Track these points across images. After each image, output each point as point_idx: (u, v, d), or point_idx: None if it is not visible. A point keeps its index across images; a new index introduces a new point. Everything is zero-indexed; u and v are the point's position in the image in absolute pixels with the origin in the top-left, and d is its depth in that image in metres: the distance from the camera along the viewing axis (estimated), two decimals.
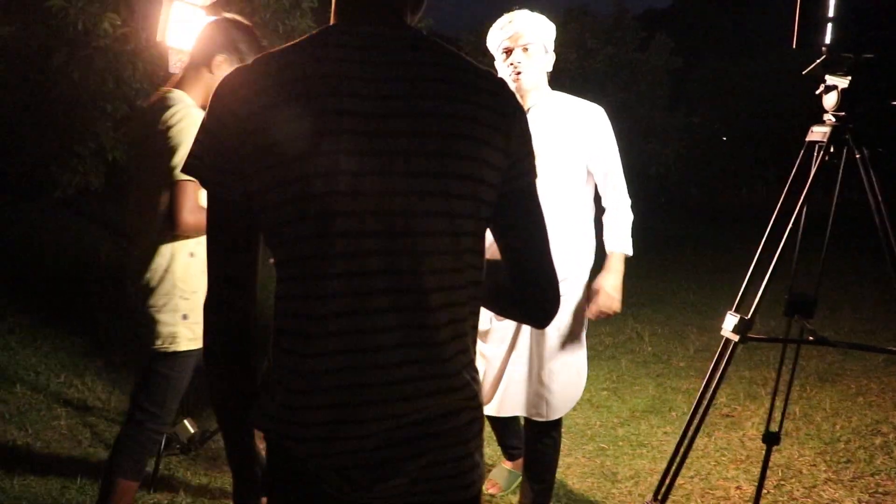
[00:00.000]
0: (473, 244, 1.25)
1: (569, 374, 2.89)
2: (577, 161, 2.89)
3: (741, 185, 18.44)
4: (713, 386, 2.20)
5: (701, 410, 2.25)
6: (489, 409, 2.95)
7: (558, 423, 2.99)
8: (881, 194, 2.06)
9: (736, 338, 2.16)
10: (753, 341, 2.17)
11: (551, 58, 2.91)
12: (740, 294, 2.26)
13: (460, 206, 1.21)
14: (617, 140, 2.95)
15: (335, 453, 1.22)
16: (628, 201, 2.98)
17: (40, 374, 5.03)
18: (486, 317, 2.82)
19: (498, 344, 2.92)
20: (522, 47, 2.80)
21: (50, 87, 6.76)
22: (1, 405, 4.45)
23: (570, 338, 2.89)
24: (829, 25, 2.04)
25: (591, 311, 2.89)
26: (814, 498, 3.58)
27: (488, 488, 3.53)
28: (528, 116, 2.57)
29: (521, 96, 2.85)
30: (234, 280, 1.26)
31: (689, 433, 2.27)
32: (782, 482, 3.73)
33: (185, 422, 3.84)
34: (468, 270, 1.25)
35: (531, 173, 1.31)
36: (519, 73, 2.80)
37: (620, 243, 2.93)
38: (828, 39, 2.05)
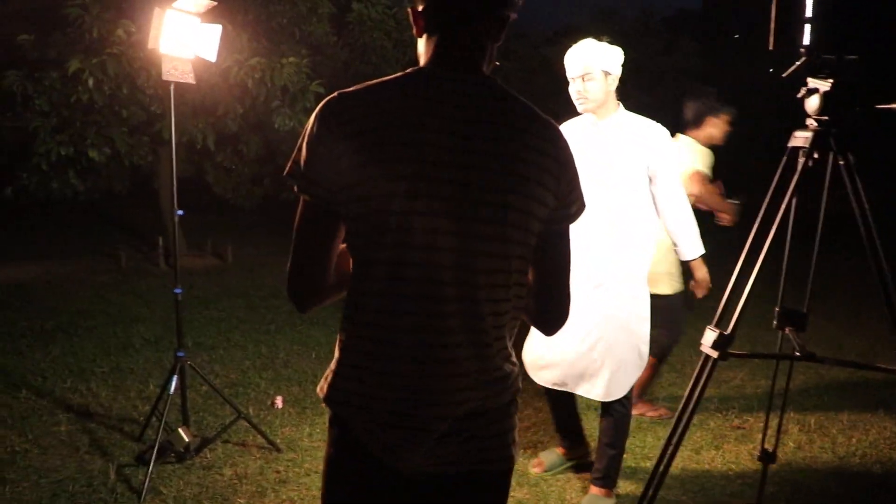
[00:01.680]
0: (521, 266, 1.50)
1: (624, 363, 3.36)
2: (638, 173, 3.30)
3: (759, 191, 18.06)
4: (692, 403, 2.10)
5: (680, 429, 2.15)
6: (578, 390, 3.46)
7: (625, 396, 3.43)
8: (867, 203, 1.95)
9: (715, 354, 2.06)
10: (734, 357, 2.07)
11: (615, 78, 3.30)
12: (721, 307, 2.17)
13: (514, 235, 1.46)
14: None
15: (397, 425, 1.47)
16: (689, 210, 3.47)
17: (47, 378, 5.06)
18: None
19: (575, 336, 3.37)
20: (582, 77, 3.26)
21: (68, 93, 6.83)
22: (4, 410, 4.48)
23: (630, 333, 3.37)
24: (808, 26, 1.95)
25: (699, 293, 3.98)
26: None
27: (533, 465, 3.87)
28: (598, 129, 3.34)
29: (591, 113, 3.35)
30: (313, 262, 1.50)
31: (668, 452, 2.18)
32: (791, 499, 3.61)
33: (180, 430, 3.83)
34: (514, 288, 1.50)
35: (572, 217, 1.56)
36: (581, 101, 3.31)
37: (692, 251, 3.60)
38: (806, 41, 1.96)
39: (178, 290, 3.87)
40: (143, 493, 3.45)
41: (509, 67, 12.02)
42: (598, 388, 3.37)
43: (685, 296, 4.47)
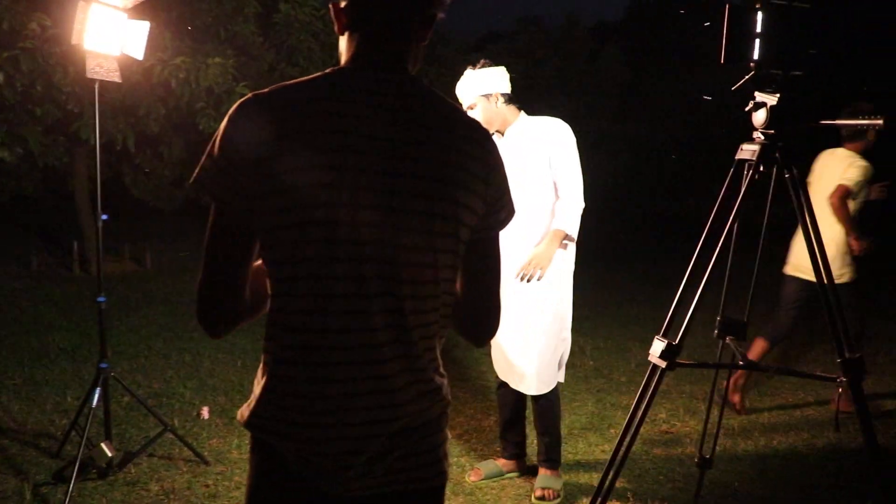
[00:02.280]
0: (449, 275, 1.43)
1: (549, 359, 3.59)
2: (547, 175, 3.49)
3: (688, 197, 18.63)
4: (640, 413, 2.11)
5: (627, 439, 2.16)
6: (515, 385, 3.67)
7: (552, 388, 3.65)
8: (811, 215, 2.00)
9: (663, 364, 2.07)
10: (682, 367, 2.09)
11: (497, 96, 3.49)
12: (668, 318, 2.18)
13: (441, 243, 1.38)
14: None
15: (325, 452, 1.38)
16: (579, 194, 3.50)
17: None
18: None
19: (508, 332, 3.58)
20: (469, 108, 3.50)
21: None
22: None
23: (551, 333, 3.58)
24: (757, 41, 1.99)
25: (516, 272, 3.46)
26: None
27: (471, 474, 3.88)
28: (504, 141, 3.54)
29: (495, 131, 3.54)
30: (226, 282, 1.39)
31: (617, 461, 2.18)
32: (721, 501, 3.68)
33: (103, 445, 3.65)
34: (442, 297, 1.43)
35: (501, 224, 1.50)
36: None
37: (560, 222, 3.47)
38: (756, 55, 2.00)
39: (101, 299, 3.69)
40: None
41: (435, 73, 12.02)
42: (527, 385, 3.62)
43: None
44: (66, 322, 6.62)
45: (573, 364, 5.94)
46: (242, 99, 1.36)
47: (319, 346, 1.36)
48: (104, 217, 3.67)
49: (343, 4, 1.40)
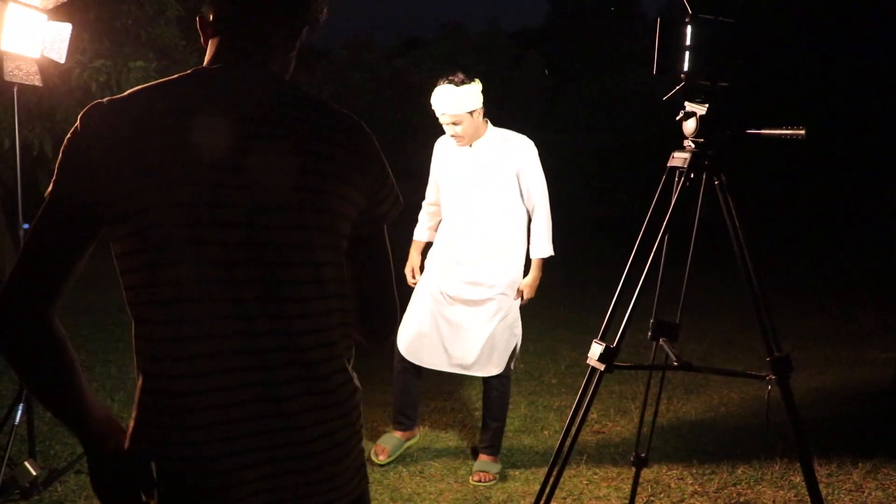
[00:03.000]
0: (336, 274, 1.36)
1: (506, 341, 3.96)
2: (511, 185, 3.81)
3: (609, 201, 19.04)
4: (580, 415, 2.16)
5: (569, 441, 2.20)
6: (415, 360, 4.01)
7: (506, 371, 3.99)
8: (739, 220, 2.08)
9: (602, 367, 2.13)
10: (620, 369, 2.15)
11: (479, 111, 3.72)
12: (605, 321, 2.24)
13: (319, 239, 1.32)
14: None
15: (218, 471, 1.29)
16: (549, 213, 3.94)
17: None
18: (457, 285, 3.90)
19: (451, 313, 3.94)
20: (453, 122, 3.69)
21: None
22: None
23: (508, 317, 3.95)
24: (687, 53, 2.06)
25: (523, 301, 4.03)
26: None
27: (378, 453, 4.04)
28: (473, 151, 3.82)
29: (465, 143, 3.81)
30: (46, 279, 1.31)
31: (559, 464, 2.22)
32: (652, 498, 3.78)
33: (26, 463, 3.52)
34: (333, 299, 1.36)
35: (385, 217, 1.45)
36: (459, 140, 3.77)
37: (539, 250, 3.97)
38: (686, 67, 2.07)
39: None
40: None
41: (360, 78, 12.00)
42: (473, 366, 3.94)
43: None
44: None
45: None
46: (94, 103, 1.32)
47: (188, 358, 1.29)
48: (25, 226, 3.54)
49: (211, 17, 1.40)
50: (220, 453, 1.29)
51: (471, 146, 3.82)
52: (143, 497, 1.36)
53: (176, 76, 1.35)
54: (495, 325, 3.91)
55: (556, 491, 3.77)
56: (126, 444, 1.36)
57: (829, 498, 3.77)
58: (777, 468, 4.14)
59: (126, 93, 1.32)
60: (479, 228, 3.83)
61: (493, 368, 3.94)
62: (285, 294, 1.30)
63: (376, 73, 13.07)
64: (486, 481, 3.88)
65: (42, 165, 8.70)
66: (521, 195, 3.88)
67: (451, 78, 3.70)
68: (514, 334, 4.02)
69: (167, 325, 1.29)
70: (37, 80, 3.47)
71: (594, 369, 2.16)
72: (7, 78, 3.36)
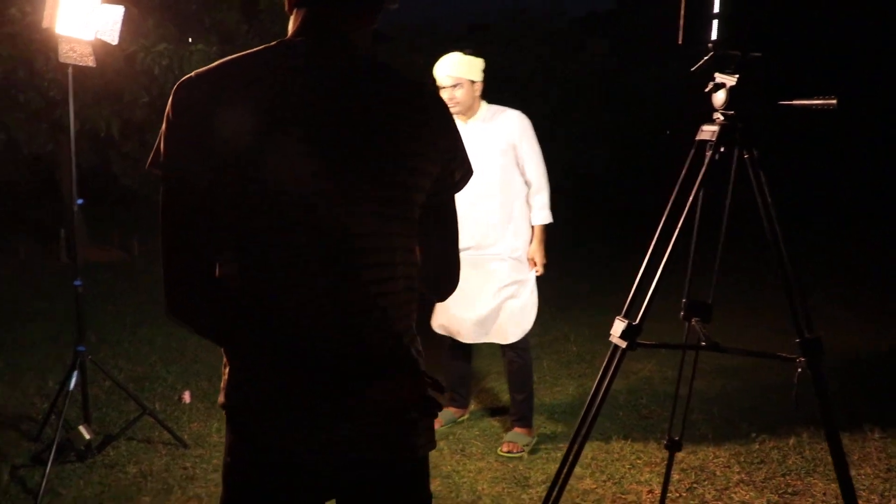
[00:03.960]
0: (407, 243, 1.43)
1: (520, 309, 4.04)
2: (510, 157, 3.90)
3: (670, 186, 18.51)
4: (601, 393, 2.13)
5: (590, 418, 2.18)
6: (465, 339, 4.11)
7: (522, 343, 4.09)
8: (770, 196, 2.01)
9: (623, 344, 2.09)
10: (642, 347, 2.11)
11: (479, 85, 3.85)
12: (629, 299, 2.20)
13: (393, 210, 1.38)
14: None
15: (297, 426, 1.37)
16: (546, 183, 4.01)
17: None
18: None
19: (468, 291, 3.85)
20: (452, 86, 3.78)
21: None
22: None
23: (520, 286, 4.03)
24: (715, 22, 2.00)
25: (539, 271, 4.06)
26: (724, 500, 3.57)
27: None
28: (468, 128, 3.88)
29: (463, 115, 3.89)
30: (193, 256, 1.36)
31: (576, 444, 2.20)
32: (695, 485, 3.71)
33: (81, 428, 3.67)
34: (401, 266, 1.42)
35: (456, 187, 1.52)
36: (454, 106, 3.80)
37: (540, 217, 4.01)
38: (714, 36, 2.01)
39: (77, 283, 3.70)
40: (41, 495, 3.29)
41: (420, 62, 11.98)
42: (500, 334, 4.04)
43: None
44: (50, 308, 6.62)
45: (556, 350, 5.98)
46: (184, 78, 1.36)
47: (275, 322, 1.35)
48: (80, 201, 3.67)
49: None
50: (309, 407, 1.37)
51: (465, 123, 3.90)
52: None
53: (261, 47, 1.37)
54: (509, 292, 3.99)
55: (598, 474, 3.80)
56: (221, 398, 1.45)
57: (887, 494, 3.64)
58: (831, 460, 4.01)
59: (213, 64, 1.36)
60: (479, 203, 3.84)
61: (512, 336, 4.03)
62: (360, 262, 1.36)
63: (435, 58, 13.05)
64: (515, 452, 3.97)
65: (113, 147, 9.01)
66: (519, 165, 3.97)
67: (463, 50, 3.91)
68: (530, 303, 4.08)
69: (254, 289, 1.36)
70: (91, 62, 3.57)
71: (616, 346, 2.13)
72: (61, 59, 3.48)
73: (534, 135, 3.97)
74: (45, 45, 6.17)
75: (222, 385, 1.45)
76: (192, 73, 1.35)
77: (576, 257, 9.94)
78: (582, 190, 13.84)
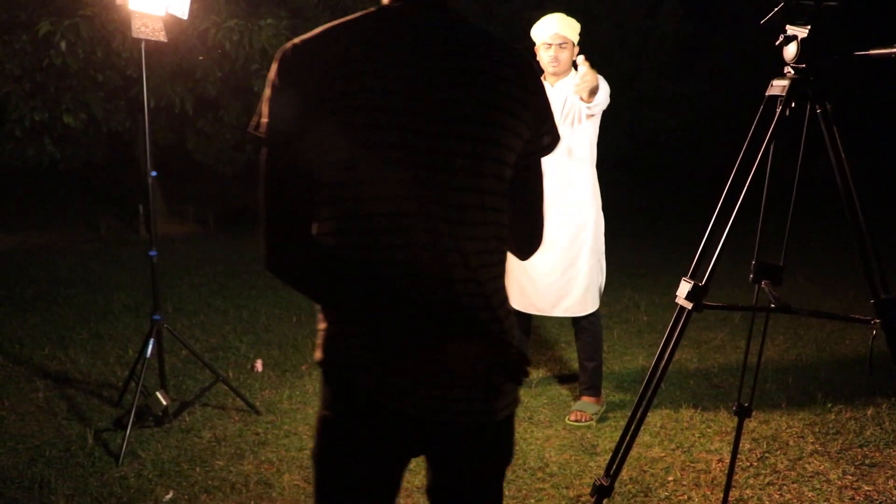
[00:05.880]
0: (497, 203, 1.47)
1: (592, 283, 3.99)
2: (587, 126, 3.86)
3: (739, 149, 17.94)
4: (666, 356, 2.09)
5: (654, 382, 2.15)
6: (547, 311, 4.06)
7: (593, 314, 4.04)
8: (843, 151, 1.93)
9: (689, 305, 2.05)
10: (709, 309, 2.05)
11: (577, 48, 3.84)
12: (695, 260, 2.15)
13: (489, 168, 1.43)
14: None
15: (389, 378, 1.42)
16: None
17: (24, 346, 5.02)
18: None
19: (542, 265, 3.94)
20: (559, 45, 3.78)
21: (40, 57, 6.69)
22: None
23: (593, 261, 3.98)
24: None
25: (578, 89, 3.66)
26: (797, 471, 3.48)
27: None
28: (556, 90, 3.86)
29: (556, 77, 3.88)
30: (294, 214, 1.40)
31: (641, 409, 2.17)
32: (766, 454, 3.63)
33: (158, 394, 3.80)
34: (492, 226, 1.47)
35: (545, 150, 1.56)
36: (555, 65, 3.82)
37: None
38: None
39: (153, 253, 3.81)
40: (122, 457, 3.43)
41: (493, 30, 11.88)
42: (575, 307, 3.99)
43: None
44: (130, 281, 6.86)
45: (626, 319, 5.91)
46: (288, 44, 1.41)
47: (372, 278, 1.40)
48: (154, 174, 3.77)
49: None
50: (393, 364, 1.42)
51: (553, 86, 3.88)
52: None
53: (361, 14, 1.43)
54: (584, 263, 3.97)
55: (666, 442, 3.75)
56: (317, 354, 1.50)
57: None
58: (887, 417, 3.88)
59: (315, 31, 1.41)
60: (559, 167, 3.84)
61: (589, 306, 4.01)
62: (456, 217, 1.41)
63: (509, 27, 12.93)
64: (583, 421, 3.95)
65: (188, 123, 9.24)
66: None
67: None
68: (600, 270, 4.07)
69: (351, 250, 1.41)
70: (162, 36, 3.65)
71: (682, 308, 2.08)
72: (135, 34, 3.56)
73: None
74: (123, 25, 6.34)
75: (318, 342, 1.49)
76: (297, 40, 1.40)
77: (647, 226, 9.77)
78: (652, 156, 13.57)
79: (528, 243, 1.64)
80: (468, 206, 1.42)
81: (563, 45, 3.81)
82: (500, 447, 1.59)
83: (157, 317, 3.84)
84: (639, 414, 2.15)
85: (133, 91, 7.24)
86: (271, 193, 1.39)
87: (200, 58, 7.07)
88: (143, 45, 3.68)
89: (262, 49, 6.91)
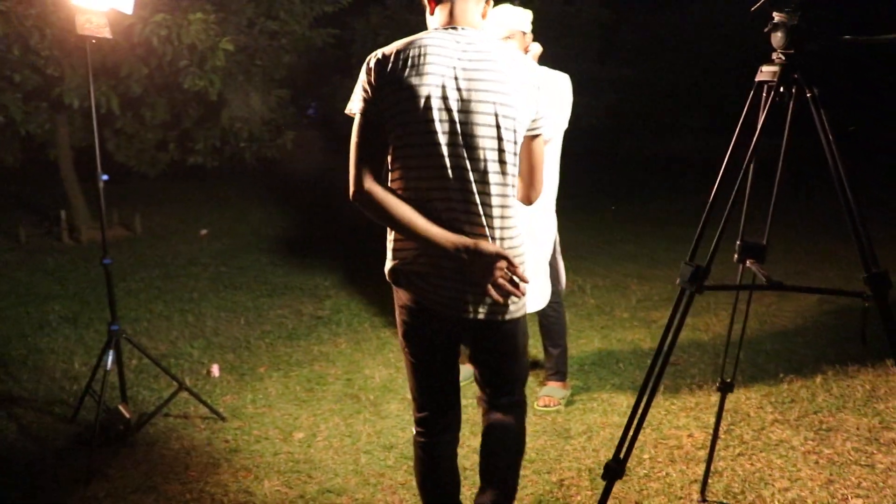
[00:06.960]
0: (512, 158, 2.20)
1: (542, 280, 3.99)
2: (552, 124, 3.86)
3: (671, 136, 18.54)
4: (670, 337, 2.14)
5: (659, 364, 2.19)
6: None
7: (556, 298, 4.16)
8: (832, 133, 2.00)
9: (692, 288, 2.09)
10: (709, 290, 2.11)
11: (529, 36, 3.86)
12: (693, 243, 2.20)
13: (504, 133, 2.16)
14: None
15: (434, 288, 2.22)
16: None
17: None
18: None
19: None
20: (506, 38, 3.77)
21: None
22: None
23: (544, 248, 4.01)
24: None
25: None
26: (763, 440, 3.61)
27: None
28: None
29: None
30: (371, 159, 2.18)
31: (649, 388, 2.21)
32: (732, 426, 3.75)
33: (120, 407, 3.66)
34: (508, 175, 2.20)
35: (543, 129, 2.30)
36: None
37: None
38: None
39: (107, 261, 3.67)
40: (89, 477, 3.29)
41: (416, 21, 11.80)
42: (531, 303, 3.90)
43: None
44: (62, 290, 6.57)
45: (575, 303, 6.00)
46: (373, 53, 2.17)
47: (423, 213, 2.13)
48: (105, 177, 3.62)
49: None
50: (434, 276, 2.21)
51: None
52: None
53: (424, 34, 2.18)
54: (535, 265, 3.92)
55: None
56: (387, 263, 2.29)
57: None
58: (859, 395, 4.07)
59: (394, 45, 2.17)
60: None
61: (543, 300, 4.00)
62: (485, 179, 2.16)
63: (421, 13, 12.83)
64: (552, 405, 4.03)
65: (107, 123, 8.86)
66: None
67: (511, 1, 3.88)
68: (554, 259, 4.13)
69: (410, 188, 2.19)
70: (107, 33, 3.50)
71: (683, 290, 2.13)
72: (80, 31, 3.40)
73: (571, 99, 3.98)
74: (41, 21, 6.04)
75: (388, 254, 2.28)
76: (385, 49, 2.17)
77: (578, 209, 9.92)
78: (580, 141, 13.76)
79: (532, 193, 2.35)
80: (491, 160, 2.15)
81: (511, 38, 3.77)
82: (514, 338, 2.34)
83: (114, 327, 3.69)
84: (644, 399, 2.18)
85: (55, 92, 6.90)
86: (358, 150, 2.16)
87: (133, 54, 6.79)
88: (88, 44, 3.53)
89: (190, 44, 6.68)
